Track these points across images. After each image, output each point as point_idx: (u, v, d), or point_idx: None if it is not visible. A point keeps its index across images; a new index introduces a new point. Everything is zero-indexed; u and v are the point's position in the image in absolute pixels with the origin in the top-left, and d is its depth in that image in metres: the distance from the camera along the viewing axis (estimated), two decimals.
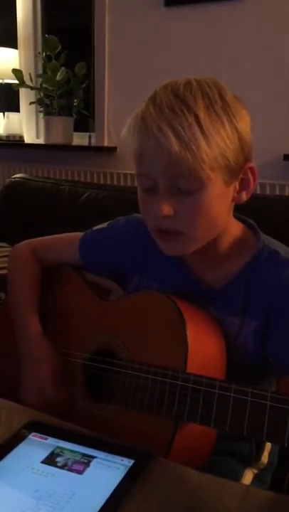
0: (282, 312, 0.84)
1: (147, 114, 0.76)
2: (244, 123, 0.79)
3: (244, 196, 0.84)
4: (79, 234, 1.07)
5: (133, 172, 0.83)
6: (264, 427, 0.68)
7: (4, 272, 1.15)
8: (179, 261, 0.91)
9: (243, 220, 0.92)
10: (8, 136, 3.23)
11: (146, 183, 0.81)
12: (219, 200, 0.80)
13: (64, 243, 1.09)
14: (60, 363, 0.93)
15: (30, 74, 3.01)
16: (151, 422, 0.79)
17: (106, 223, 1.06)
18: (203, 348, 0.83)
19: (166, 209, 0.78)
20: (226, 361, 0.86)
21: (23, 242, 1.12)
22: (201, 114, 0.74)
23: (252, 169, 0.82)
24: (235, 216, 0.90)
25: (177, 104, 0.74)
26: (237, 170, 0.80)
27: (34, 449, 0.70)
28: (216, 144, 0.74)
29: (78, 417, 0.80)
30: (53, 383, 0.90)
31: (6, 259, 1.15)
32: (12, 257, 1.11)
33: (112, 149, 2.72)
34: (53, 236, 1.11)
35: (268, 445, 1.00)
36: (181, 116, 0.73)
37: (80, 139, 3.03)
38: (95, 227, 1.07)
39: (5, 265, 1.13)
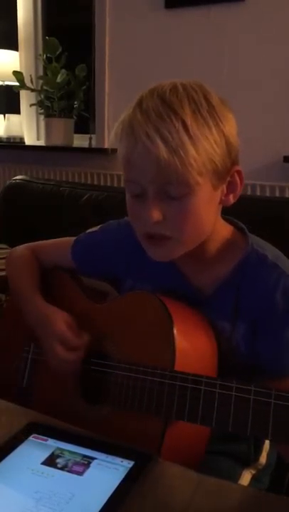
0: (269, 316, 0.85)
1: (134, 121, 0.76)
2: (230, 126, 0.79)
3: (231, 199, 0.85)
4: (73, 238, 1.07)
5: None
6: (248, 420, 0.69)
7: (4, 273, 1.15)
8: (170, 266, 0.91)
9: (233, 223, 0.93)
10: (8, 138, 3.24)
11: (134, 189, 0.81)
12: (207, 204, 0.81)
13: (58, 247, 1.09)
14: (70, 315, 0.93)
15: (30, 76, 3.02)
16: (141, 423, 0.80)
17: (98, 227, 1.06)
18: (192, 349, 0.84)
19: (156, 215, 0.78)
20: (217, 361, 0.86)
21: (20, 246, 1.12)
22: (188, 120, 0.74)
23: (239, 172, 0.83)
24: (224, 219, 0.91)
25: (164, 109, 0.74)
26: (224, 173, 0.80)
27: (34, 450, 0.71)
28: (203, 148, 0.75)
29: (73, 419, 0.80)
30: (70, 330, 0.90)
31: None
32: (10, 257, 1.11)
33: (112, 151, 2.72)
34: (49, 240, 1.12)
35: (266, 446, 1.00)
36: (169, 123, 0.73)
37: (80, 141, 3.03)
38: (87, 231, 1.07)
39: (5, 267, 1.14)
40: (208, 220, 0.83)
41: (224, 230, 0.90)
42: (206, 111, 0.76)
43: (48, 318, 0.92)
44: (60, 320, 0.91)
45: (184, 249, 0.84)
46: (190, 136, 0.74)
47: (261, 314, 0.85)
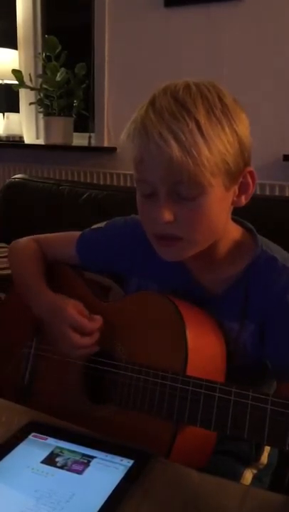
0: (278, 317, 0.84)
1: (147, 120, 0.75)
2: (244, 126, 0.78)
3: (243, 200, 0.84)
4: (78, 233, 1.07)
5: (133, 173, 0.83)
6: (265, 430, 0.68)
7: (4, 272, 1.15)
8: (178, 264, 0.91)
9: (241, 224, 0.92)
10: (8, 137, 3.23)
11: (145, 188, 0.80)
12: (219, 204, 0.80)
13: (62, 241, 1.09)
14: (80, 302, 0.92)
15: (30, 74, 3.01)
16: (151, 424, 0.79)
17: (104, 223, 1.05)
18: (203, 349, 0.83)
19: (167, 215, 0.78)
20: (226, 362, 0.86)
21: (23, 238, 1.12)
22: (202, 119, 0.73)
23: (251, 173, 0.82)
24: (233, 220, 0.90)
25: (177, 108, 0.74)
26: (237, 174, 0.80)
27: (34, 449, 0.70)
28: (216, 148, 0.74)
29: (78, 419, 0.80)
30: (83, 315, 0.89)
31: (6, 259, 1.15)
32: (13, 248, 1.10)
33: (111, 150, 2.72)
34: (53, 234, 1.11)
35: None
36: (182, 122, 0.73)
37: (79, 140, 3.03)
38: (93, 226, 1.07)
39: (5, 265, 1.13)
40: (220, 221, 0.83)
41: (234, 231, 0.90)
42: (220, 110, 0.75)
43: (57, 305, 0.91)
44: (70, 306, 0.90)
45: (195, 249, 0.84)
46: (203, 136, 0.73)
47: (270, 316, 0.85)
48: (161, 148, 0.73)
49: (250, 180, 0.83)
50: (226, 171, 0.77)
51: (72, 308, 0.89)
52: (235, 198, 0.83)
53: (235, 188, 0.82)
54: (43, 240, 1.10)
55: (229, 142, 0.76)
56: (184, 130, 0.73)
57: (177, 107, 0.74)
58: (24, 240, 1.10)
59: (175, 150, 0.72)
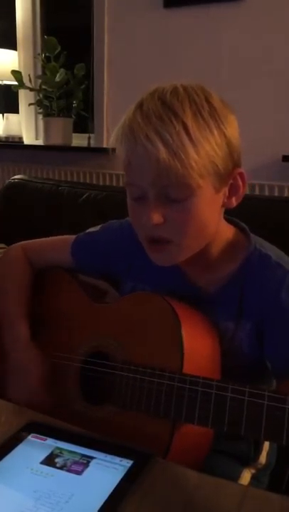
0: (275, 315, 0.84)
1: (134, 123, 0.75)
2: (232, 128, 0.78)
3: (234, 201, 0.84)
4: (71, 236, 1.07)
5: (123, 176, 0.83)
6: (262, 426, 0.68)
7: None
8: (174, 267, 0.91)
9: (234, 223, 0.92)
10: (7, 138, 3.24)
11: (135, 192, 0.80)
12: (209, 206, 0.80)
13: (57, 245, 1.08)
14: (49, 369, 0.92)
15: (29, 75, 3.01)
16: (148, 424, 0.80)
17: (99, 226, 1.05)
18: (199, 349, 0.84)
19: (156, 218, 0.78)
20: (220, 361, 0.86)
21: (17, 244, 1.11)
22: (189, 122, 0.73)
23: (241, 174, 0.82)
24: (226, 219, 0.90)
25: (164, 111, 0.74)
26: (226, 176, 0.79)
27: (33, 449, 0.70)
28: (204, 151, 0.74)
29: (75, 420, 0.80)
30: (41, 390, 0.90)
31: None
32: (4, 261, 1.10)
33: (111, 150, 2.72)
34: (47, 238, 1.11)
35: (266, 445, 1.00)
36: (169, 124, 0.73)
37: (79, 140, 3.04)
38: (87, 230, 1.06)
39: None
40: (211, 223, 0.83)
41: (227, 232, 0.90)
42: (208, 113, 0.75)
43: (24, 366, 0.92)
44: (36, 372, 0.91)
45: (186, 253, 0.84)
46: (191, 139, 0.73)
47: (267, 314, 0.85)
48: (148, 151, 0.73)
49: (240, 181, 0.82)
50: (214, 173, 0.77)
51: (38, 379, 0.90)
52: (225, 200, 0.83)
53: (226, 189, 0.82)
54: (34, 247, 1.09)
55: (217, 144, 0.75)
56: (171, 132, 0.72)
57: (164, 109, 0.74)
58: (14, 252, 1.09)
59: (162, 152, 0.72)
